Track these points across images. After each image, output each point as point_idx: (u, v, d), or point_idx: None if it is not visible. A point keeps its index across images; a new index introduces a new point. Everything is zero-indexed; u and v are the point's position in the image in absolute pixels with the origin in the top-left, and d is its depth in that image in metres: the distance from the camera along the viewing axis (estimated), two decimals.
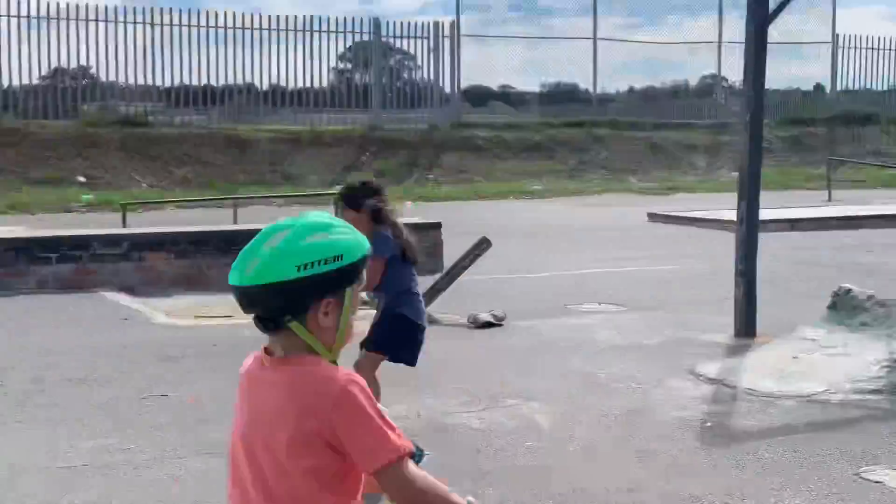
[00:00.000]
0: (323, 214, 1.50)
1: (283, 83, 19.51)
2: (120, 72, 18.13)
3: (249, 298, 1.41)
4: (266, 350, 1.44)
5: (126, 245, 8.14)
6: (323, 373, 1.39)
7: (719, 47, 21.30)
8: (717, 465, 3.97)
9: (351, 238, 1.44)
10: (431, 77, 20.16)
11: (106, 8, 18.05)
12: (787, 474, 3.85)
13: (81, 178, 15.78)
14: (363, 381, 1.43)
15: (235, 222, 11.37)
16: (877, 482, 3.76)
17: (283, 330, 1.40)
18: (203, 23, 19.00)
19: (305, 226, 1.39)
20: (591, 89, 21.55)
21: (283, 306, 1.38)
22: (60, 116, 17.52)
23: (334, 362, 1.42)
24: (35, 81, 17.82)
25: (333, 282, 1.40)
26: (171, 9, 18.77)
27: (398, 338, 3.77)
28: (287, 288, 1.36)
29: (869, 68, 22.80)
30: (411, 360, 3.84)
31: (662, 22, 31.61)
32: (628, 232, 12.41)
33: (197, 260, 8.20)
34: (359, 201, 3.76)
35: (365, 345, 3.72)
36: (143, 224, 11.07)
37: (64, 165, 16.17)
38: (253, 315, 1.43)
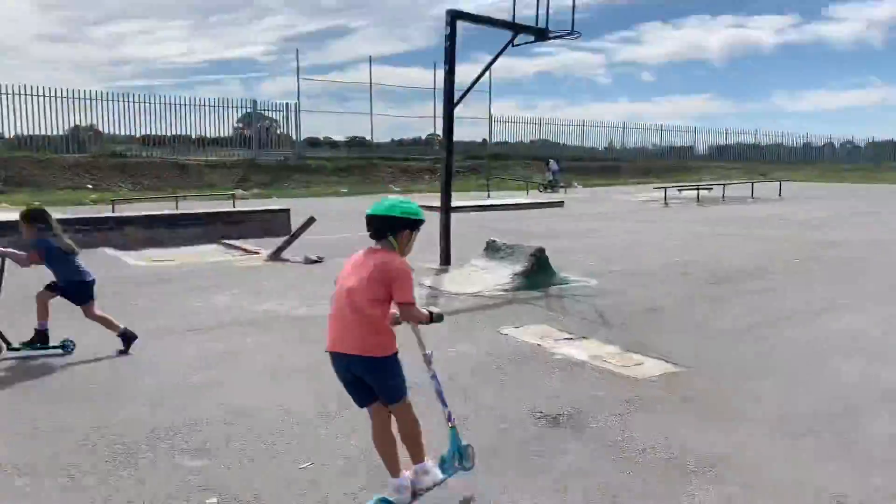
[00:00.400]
0: (405, 199, 3.18)
1: (205, 134, 32.51)
2: (115, 126, 30.44)
3: (378, 221, 3.08)
4: (372, 248, 3.12)
5: (113, 222, 12.48)
6: (395, 257, 3.08)
7: (434, 119, 36.68)
8: (429, 327, 7.16)
9: (418, 209, 3.11)
10: (286, 132, 34.56)
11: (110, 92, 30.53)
12: (461, 330, 6.31)
13: (89, 186, 25.78)
14: (409, 267, 2.99)
15: (177, 208, 16.85)
16: (505, 334, 6.19)
17: (384, 239, 3.10)
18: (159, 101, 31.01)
19: (402, 200, 3.16)
20: (370, 138, 37.47)
21: (388, 226, 3.06)
22: (77, 151, 28.45)
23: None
24: (62, 132, 29.13)
25: (410, 224, 3.09)
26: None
27: (80, 291, 5.70)
28: (395, 218, 3.06)
29: (511, 130, 42.33)
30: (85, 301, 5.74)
31: (407, 106, 51.75)
32: None
33: (155, 231, 12.51)
34: (33, 217, 5.60)
35: (75, 300, 5.70)
36: (125, 211, 15.48)
37: (78, 180, 26.14)
38: (371, 231, 3.09)
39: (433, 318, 3.26)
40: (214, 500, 3.40)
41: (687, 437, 4.09)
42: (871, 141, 62.20)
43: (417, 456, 3.35)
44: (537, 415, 4.47)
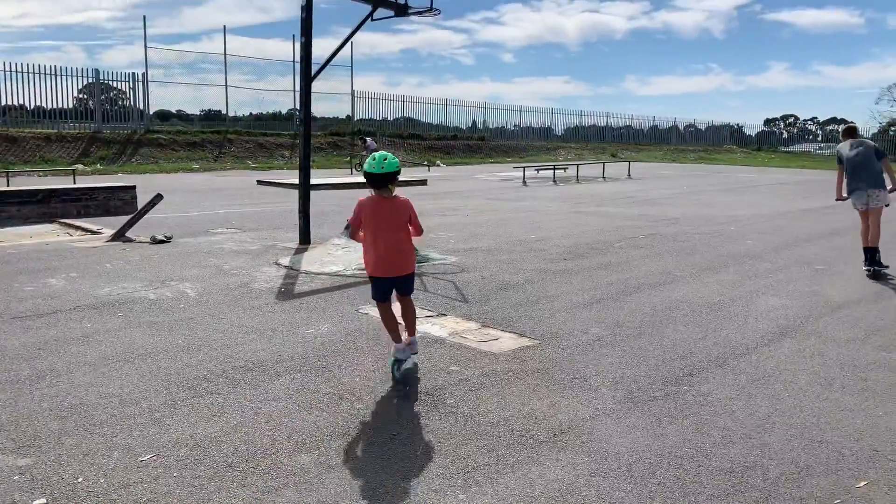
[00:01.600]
0: (384, 153, 4.53)
1: (44, 105, 29.94)
2: None
3: (380, 178, 4.42)
4: (375, 195, 4.49)
5: None
6: (402, 198, 4.57)
7: (294, 94, 35.63)
8: (285, 309, 6.35)
9: (396, 160, 4.51)
10: (134, 104, 32.30)
11: None
12: (320, 310, 6.32)
13: None
14: None
15: (8, 185, 15.65)
16: (365, 313, 6.19)
17: (384, 188, 4.46)
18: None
19: (384, 155, 4.46)
20: (226, 112, 36.08)
21: (388, 179, 4.43)
22: None
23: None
24: None
25: (397, 173, 4.47)
26: None
27: None
28: (393, 173, 4.44)
29: (375, 107, 41.51)
30: None
31: (267, 79, 48.96)
32: (244, 190, 19.05)
33: None
34: None
35: None
36: None
37: None
38: (373, 184, 4.46)
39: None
40: (43, 500, 3.12)
41: (538, 408, 4.22)
42: (711, 125, 67.10)
43: (412, 330, 4.90)
44: (395, 393, 4.45)
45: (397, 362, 4.75)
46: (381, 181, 4.54)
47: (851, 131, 9.00)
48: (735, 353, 5.40)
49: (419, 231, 4.75)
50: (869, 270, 8.45)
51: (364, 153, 29.08)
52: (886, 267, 8.47)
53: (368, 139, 30.35)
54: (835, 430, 3.98)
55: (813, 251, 10.30)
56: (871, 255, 8.50)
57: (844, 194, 8.80)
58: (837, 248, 10.56)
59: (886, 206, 8.54)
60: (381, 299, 4.75)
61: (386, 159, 4.54)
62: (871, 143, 8.81)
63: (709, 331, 5.99)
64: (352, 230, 4.80)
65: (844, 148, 8.71)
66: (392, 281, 4.67)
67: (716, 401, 4.40)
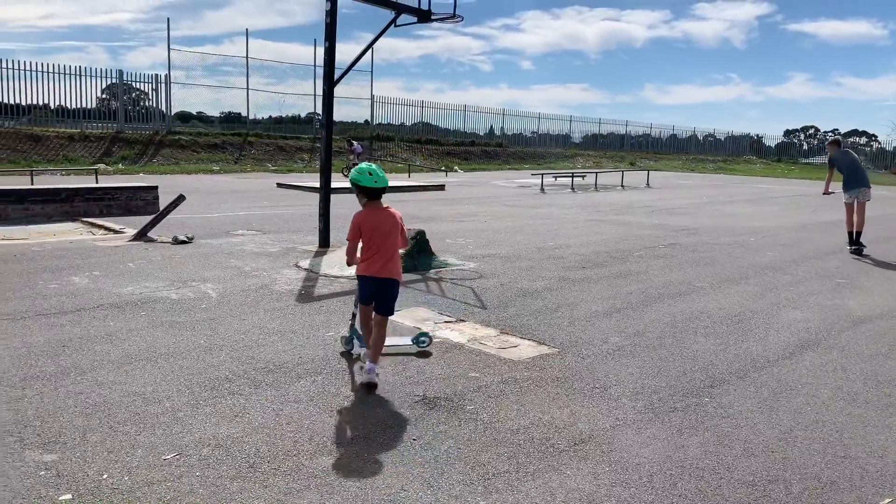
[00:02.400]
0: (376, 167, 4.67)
1: (67, 105, 30.65)
2: None
3: (381, 191, 4.60)
4: (370, 207, 4.56)
5: None
6: (393, 209, 4.64)
7: (315, 98, 36.78)
8: (305, 311, 6.38)
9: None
10: (156, 105, 33.04)
11: None
12: (341, 314, 6.30)
13: None
14: None
15: (32, 183, 16.01)
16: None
17: (379, 199, 4.61)
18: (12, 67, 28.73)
19: (375, 166, 4.62)
20: (246, 115, 36.56)
21: (382, 192, 4.59)
22: None
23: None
24: None
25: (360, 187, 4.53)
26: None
27: None
28: (385, 188, 4.59)
29: (393, 112, 41.95)
30: None
31: (287, 82, 49.14)
32: (264, 193, 19.21)
33: (2, 207, 11.64)
34: None
35: None
36: None
37: None
38: (376, 195, 4.60)
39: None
40: (69, 496, 3.16)
41: (558, 416, 4.21)
42: (730, 135, 66.71)
43: (376, 357, 4.69)
44: (415, 398, 4.46)
45: (349, 342, 5.17)
46: (380, 193, 4.71)
47: (838, 143, 12.08)
48: (756, 365, 5.36)
49: (406, 243, 4.93)
50: (854, 248, 11.13)
51: (351, 157, 29.11)
52: (865, 247, 11.18)
53: (355, 143, 30.19)
54: (858, 446, 3.94)
55: (834, 264, 10.21)
56: (856, 237, 11.26)
57: (831, 190, 11.97)
58: (859, 262, 10.46)
59: (868, 200, 11.31)
60: (367, 302, 4.80)
61: (379, 172, 4.72)
62: (853, 152, 11.88)
63: (730, 342, 5.96)
64: (349, 248, 4.73)
65: (838, 155, 11.60)
66: (386, 285, 4.69)
67: (737, 413, 4.37)
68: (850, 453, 3.85)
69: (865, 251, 11.06)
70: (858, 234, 11.28)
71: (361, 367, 4.72)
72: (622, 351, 5.62)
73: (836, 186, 11.91)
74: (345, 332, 5.45)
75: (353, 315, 5.20)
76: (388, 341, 4.94)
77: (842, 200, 11.58)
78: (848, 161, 11.48)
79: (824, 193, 12.20)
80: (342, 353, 5.26)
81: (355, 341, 5.17)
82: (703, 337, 6.11)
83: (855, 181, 11.30)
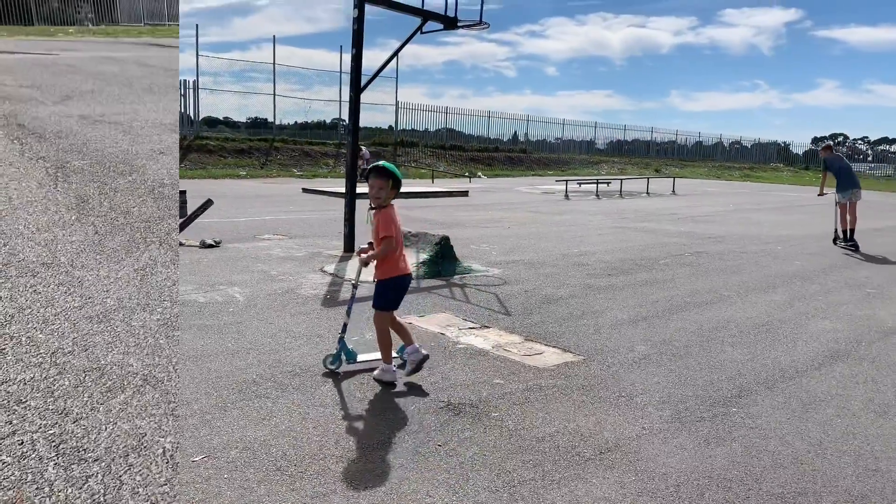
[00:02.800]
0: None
1: None
2: None
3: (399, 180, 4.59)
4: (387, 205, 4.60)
5: None
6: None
7: (340, 104, 36.92)
8: (331, 316, 6.43)
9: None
10: (183, 110, 32.72)
11: None
12: (366, 319, 5.91)
13: None
14: None
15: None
16: (409, 323, 5.79)
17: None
18: None
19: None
20: (272, 121, 36.77)
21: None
22: None
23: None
24: None
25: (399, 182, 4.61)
26: None
27: None
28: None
29: (417, 118, 41.85)
30: None
31: (313, 88, 47.22)
32: (289, 198, 19.30)
33: None
34: None
35: None
36: None
37: None
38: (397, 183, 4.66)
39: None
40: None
41: (583, 425, 4.20)
42: (756, 142, 66.06)
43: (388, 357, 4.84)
44: (440, 404, 4.47)
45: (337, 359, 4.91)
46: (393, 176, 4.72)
47: (830, 148, 13.30)
48: (785, 375, 5.30)
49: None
50: (850, 244, 12.23)
51: (360, 162, 29.01)
52: (858, 247, 12.22)
53: (363, 149, 30.15)
54: (890, 459, 3.88)
55: (864, 274, 10.06)
56: (850, 235, 12.36)
57: (825, 192, 13.38)
58: (889, 271, 10.31)
59: (859, 200, 12.57)
60: (398, 305, 4.86)
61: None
62: (844, 157, 13.22)
63: (757, 352, 5.90)
64: (389, 245, 4.61)
65: (832, 159, 12.86)
66: (410, 279, 4.91)
67: (765, 424, 4.33)
68: (882, 466, 3.79)
69: (862, 249, 12.18)
70: (852, 231, 12.38)
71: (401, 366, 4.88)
72: (648, 359, 5.58)
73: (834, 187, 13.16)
74: (332, 350, 5.12)
75: (344, 326, 4.99)
76: (370, 356, 5.04)
77: (840, 202, 12.80)
78: (840, 165, 12.71)
79: (819, 195, 13.74)
80: (324, 375, 4.89)
81: (343, 357, 4.93)
82: (731, 346, 6.05)
83: (848, 183, 12.53)
